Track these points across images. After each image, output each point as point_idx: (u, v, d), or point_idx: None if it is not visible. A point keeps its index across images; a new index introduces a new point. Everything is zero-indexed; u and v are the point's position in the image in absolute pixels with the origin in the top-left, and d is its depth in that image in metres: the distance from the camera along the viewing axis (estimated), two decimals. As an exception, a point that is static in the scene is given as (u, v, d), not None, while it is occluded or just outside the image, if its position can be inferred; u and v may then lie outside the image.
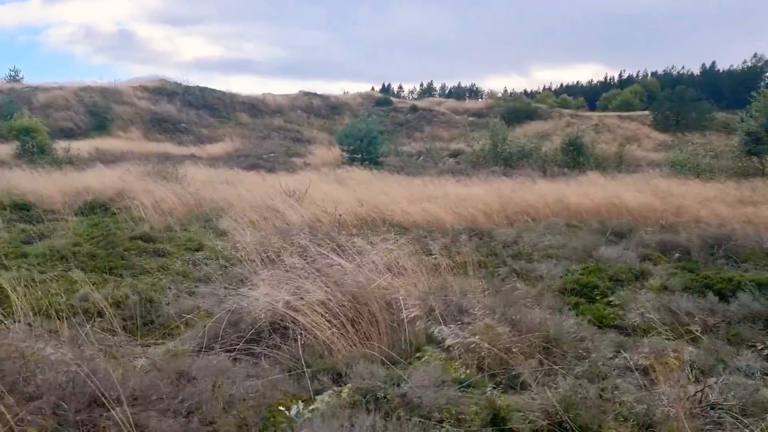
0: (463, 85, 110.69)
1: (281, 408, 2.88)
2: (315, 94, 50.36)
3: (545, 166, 22.48)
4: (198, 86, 45.58)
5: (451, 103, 61.83)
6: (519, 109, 46.91)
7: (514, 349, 3.99)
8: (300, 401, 3.21)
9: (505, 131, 26.62)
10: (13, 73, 44.49)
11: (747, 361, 4.51)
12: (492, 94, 79.20)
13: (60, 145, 31.29)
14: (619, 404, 3.40)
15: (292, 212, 9.60)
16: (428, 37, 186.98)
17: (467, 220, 10.70)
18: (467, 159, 27.97)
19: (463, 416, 3.19)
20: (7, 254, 7.60)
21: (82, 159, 25.33)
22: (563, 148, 24.17)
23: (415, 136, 45.53)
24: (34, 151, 23.77)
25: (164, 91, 43.46)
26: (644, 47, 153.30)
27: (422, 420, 3.04)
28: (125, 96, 40.61)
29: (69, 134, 36.45)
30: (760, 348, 4.80)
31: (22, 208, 11.36)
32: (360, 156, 20.78)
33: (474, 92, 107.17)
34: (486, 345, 4.06)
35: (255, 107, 45.52)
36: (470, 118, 53.07)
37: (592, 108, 63.48)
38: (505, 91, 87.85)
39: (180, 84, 45.06)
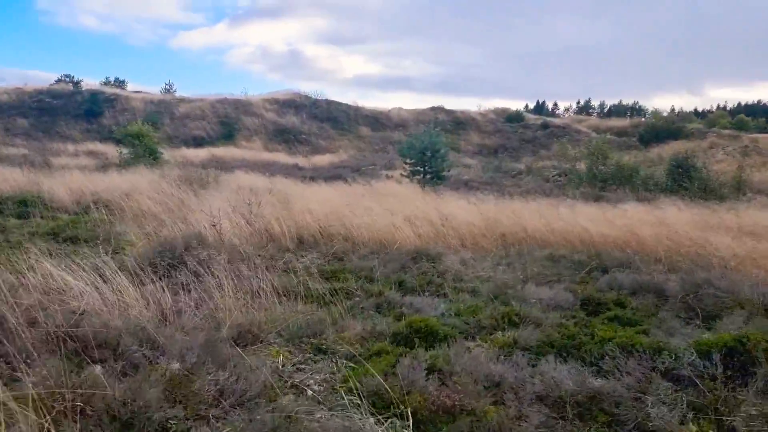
0: (624, 102, 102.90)
1: None
2: (441, 109, 49.65)
3: (638, 190, 19.68)
4: (326, 99, 47.10)
5: (594, 120, 57.94)
6: (660, 127, 42.34)
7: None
8: None
9: (606, 150, 23.91)
10: (167, 86, 49.29)
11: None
12: (656, 114, 72.49)
13: (182, 152, 33.96)
14: None
15: (229, 225, 9.01)
16: (589, 52, 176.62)
17: (431, 239, 9.37)
18: (570, 179, 25.76)
19: None
20: None
21: (189, 164, 27.06)
22: (669, 170, 21.03)
23: (541, 154, 42.93)
24: (142, 155, 25.80)
25: (293, 103, 45.43)
26: None
27: None
28: (255, 107, 43.03)
29: (200, 142, 39.43)
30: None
31: (25, 205, 11.97)
32: (422, 170, 19.63)
33: (636, 111, 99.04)
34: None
35: (378, 121, 45.88)
36: (609, 137, 49.10)
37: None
38: (672, 110, 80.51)
39: (309, 97, 46.84)
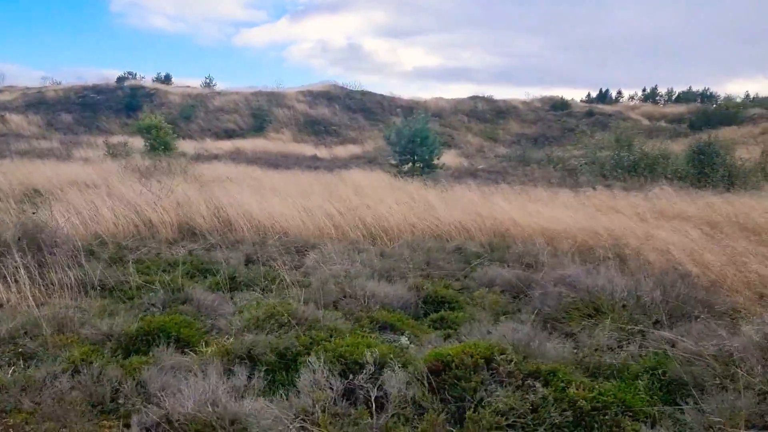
0: (694, 89, 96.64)
1: None
2: (481, 98, 48.08)
3: (650, 178, 18.10)
4: (361, 90, 46.45)
5: (648, 107, 55.08)
6: (712, 113, 39.43)
7: None
8: None
9: (631, 136, 22.48)
10: (207, 80, 49.94)
11: None
12: (728, 100, 67.85)
13: (205, 145, 34.19)
14: None
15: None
16: (654, 38, 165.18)
17: (329, 230, 8.61)
18: (589, 169, 24.38)
19: None
20: None
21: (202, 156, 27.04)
22: (689, 155, 19.27)
23: (583, 142, 40.85)
24: (158, 147, 26.04)
25: (328, 95, 45.08)
26: None
27: None
28: (287, 99, 42.97)
29: (231, 134, 39.69)
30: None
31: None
32: (411, 158, 18.64)
33: (707, 97, 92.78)
34: None
35: (413, 111, 44.85)
36: (662, 124, 46.20)
37: None
38: (747, 96, 75.38)
39: (344, 88, 46.36)
